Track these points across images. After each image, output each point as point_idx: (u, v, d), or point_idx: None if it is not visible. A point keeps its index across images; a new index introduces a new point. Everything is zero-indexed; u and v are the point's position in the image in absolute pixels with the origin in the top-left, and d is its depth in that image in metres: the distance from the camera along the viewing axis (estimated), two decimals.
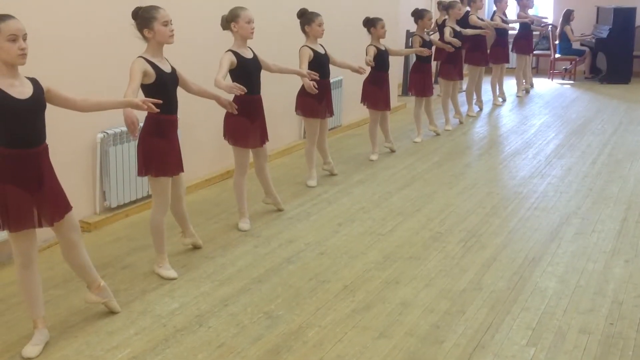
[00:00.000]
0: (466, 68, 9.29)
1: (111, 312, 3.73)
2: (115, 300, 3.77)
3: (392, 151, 7.27)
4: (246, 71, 4.71)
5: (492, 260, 4.49)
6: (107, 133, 5.06)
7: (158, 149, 3.99)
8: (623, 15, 11.95)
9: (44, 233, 4.35)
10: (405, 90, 10.45)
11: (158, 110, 3.58)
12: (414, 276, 4.26)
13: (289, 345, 3.43)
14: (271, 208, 5.46)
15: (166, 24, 3.90)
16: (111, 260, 4.49)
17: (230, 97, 4.64)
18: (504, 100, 10.33)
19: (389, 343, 3.45)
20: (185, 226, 4.53)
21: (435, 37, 8.43)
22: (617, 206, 5.57)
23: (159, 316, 3.74)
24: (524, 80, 10.98)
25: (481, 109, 9.66)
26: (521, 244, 4.77)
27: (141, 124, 3.99)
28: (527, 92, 11.08)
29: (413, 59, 8.23)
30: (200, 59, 5.48)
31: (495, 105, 10.04)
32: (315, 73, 5.43)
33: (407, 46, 10.06)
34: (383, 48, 6.71)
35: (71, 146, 4.86)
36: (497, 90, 10.21)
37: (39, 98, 3.17)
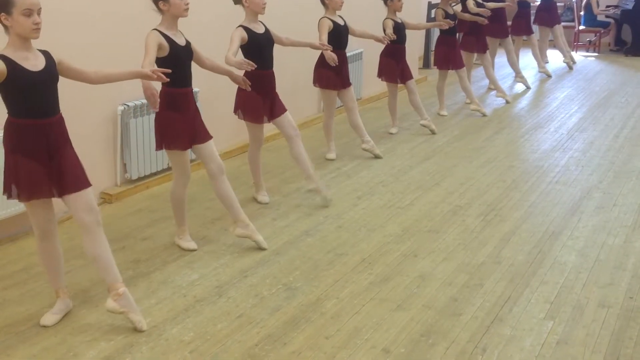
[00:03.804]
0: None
1: (132, 283, 3.77)
2: (139, 311, 3.36)
3: (433, 132, 6.93)
4: (258, 46, 4.67)
5: (512, 234, 4.47)
6: (128, 105, 5.09)
7: (173, 122, 3.99)
8: None
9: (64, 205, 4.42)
10: (427, 63, 10.35)
11: (168, 79, 3.55)
12: (432, 249, 4.26)
13: (307, 317, 3.46)
14: (290, 180, 5.46)
15: None
16: (132, 231, 4.55)
17: (243, 72, 4.62)
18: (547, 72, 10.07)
19: (406, 315, 3.47)
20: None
21: (458, 8, 8.28)
22: (639, 180, 5.51)
23: (179, 286, 3.79)
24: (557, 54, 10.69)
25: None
26: (541, 218, 4.74)
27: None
28: (570, 67, 10.63)
29: (435, 31, 8.10)
30: (212, 34, 5.46)
31: (518, 78, 9.87)
32: (329, 45, 5.36)
33: (429, 19, 9.93)
34: (399, 21, 6.63)
35: (92, 118, 4.90)
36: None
37: (52, 70, 3.18)
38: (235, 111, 4.88)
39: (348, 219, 4.77)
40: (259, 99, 4.76)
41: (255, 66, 4.37)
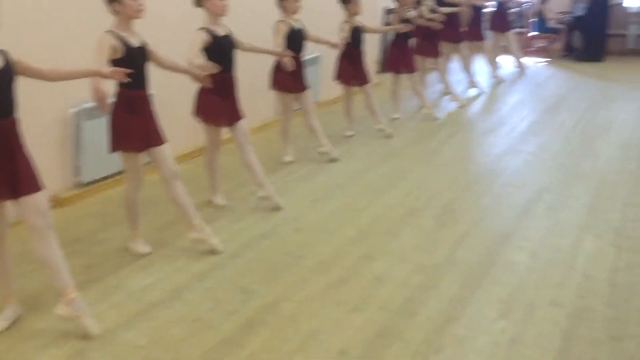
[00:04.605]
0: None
1: (85, 288, 3.69)
2: (91, 317, 3.30)
3: (389, 136, 6.98)
4: (220, 49, 4.64)
5: (466, 235, 4.53)
6: (81, 107, 5.00)
7: (127, 124, 3.93)
8: None
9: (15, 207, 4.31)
10: (383, 67, 10.43)
11: (129, 79, 3.51)
12: (388, 251, 4.29)
13: (264, 320, 3.45)
14: (246, 184, 5.44)
15: None
16: (84, 236, 4.47)
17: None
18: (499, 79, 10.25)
19: (362, 317, 3.48)
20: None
21: (413, 13, 8.36)
22: (588, 182, 5.65)
23: (133, 291, 3.74)
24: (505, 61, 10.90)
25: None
26: (494, 220, 4.83)
27: (113, 99, 3.95)
28: (522, 73, 10.86)
29: (391, 35, 8.17)
30: (174, 35, 5.42)
31: (472, 83, 10.03)
32: (290, 53, 5.39)
33: (385, 24, 10.02)
34: (358, 25, 6.68)
35: (44, 120, 4.80)
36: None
37: (9, 69, 3.12)
38: (194, 114, 4.84)
39: (305, 221, 4.77)
40: (219, 102, 4.73)
41: (220, 68, 4.35)
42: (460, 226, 4.70)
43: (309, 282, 3.88)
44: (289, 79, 5.82)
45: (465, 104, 8.57)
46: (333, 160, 6.14)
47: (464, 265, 4.10)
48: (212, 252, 4.21)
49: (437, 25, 7.95)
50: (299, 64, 5.85)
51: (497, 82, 10.20)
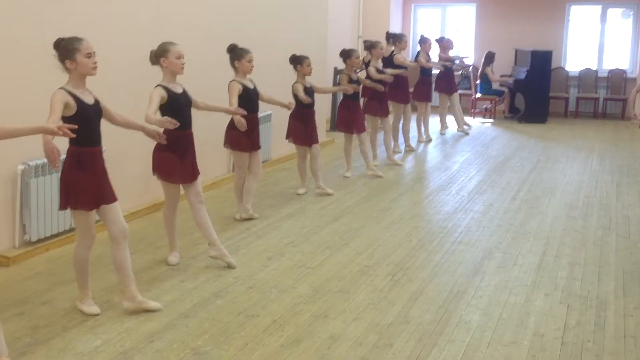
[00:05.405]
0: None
1: (30, 351, 3.56)
2: None
3: (328, 195, 7.06)
4: (177, 106, 4.66)
5: (419, 294, 4.56)
6: (29, 164, 4.91)
7: (79, 181, 3.88)
8: (540, 58, 12.57)
9: None
10: (334, 126, 10.59)
11: (74, 135, 3.46)
12: (342, 310, 4.27)
13: None
14: (199, 242, 5.38)
15: (89, 55, 3.83)
16: (30, 296, 4.32)
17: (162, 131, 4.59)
18: (429, 139, 10.53)
19: None
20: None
21: (362, 74, 8.58)
22: (536, 241, 5.78)
23: (81, 354, 3.61)
24: (446, 123, 11.27)
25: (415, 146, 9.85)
26: (446, 278, 4.87)
27: (64, 156, 3.90)
28: (466, 133, 11.20)
29: (341, 95, 8.33)
30: (130, 92, 5.41)
31: (420, 142, 10.29)
32: (244, 111, 5.43)
33: (334, 84, 10.22)
34: (308, 85, 6.80)
35: None
36: (423, 128, 10.48)
37: None
38: (153, 172, 4.82)
39: (258, 279, 4.73)
40: (176, 160, 4.73)
41: (178, 124, 4.35)
42: (414, 284, 4.73)
43: (263, 342, 3.82)
44: (243, 138, 5.85)
45: (414, 163, 8.74)
46: (253, 218, 6.12)
47: (418, 323, 4.11)
48: (165, 311, 4.11)
49: (380, 88, 8.13)
50: (254, 123, 5.90)
51: (444, 141, 10.47)
